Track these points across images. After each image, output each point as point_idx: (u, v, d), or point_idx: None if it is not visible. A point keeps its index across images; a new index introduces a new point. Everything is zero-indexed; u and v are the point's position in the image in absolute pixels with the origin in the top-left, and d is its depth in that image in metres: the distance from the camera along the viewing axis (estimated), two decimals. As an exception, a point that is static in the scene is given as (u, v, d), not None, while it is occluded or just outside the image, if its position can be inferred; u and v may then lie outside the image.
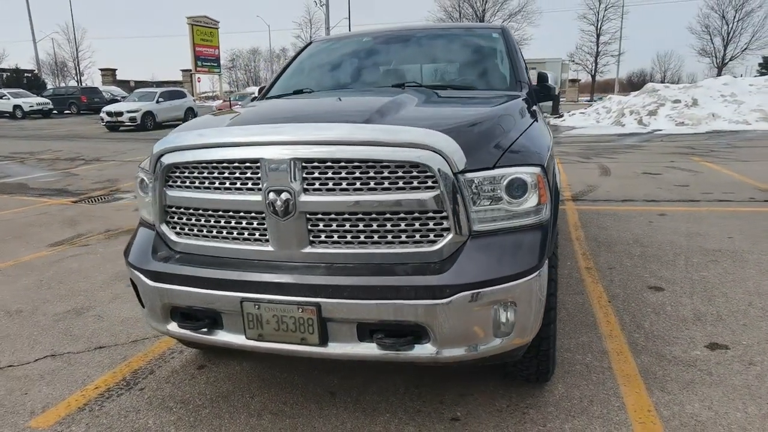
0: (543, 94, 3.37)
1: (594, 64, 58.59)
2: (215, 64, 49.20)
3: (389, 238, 2.14)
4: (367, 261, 2.16)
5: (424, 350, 2.10)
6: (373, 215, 2.12)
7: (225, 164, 2.24)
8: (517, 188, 2.15)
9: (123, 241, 6.10)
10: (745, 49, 51.41)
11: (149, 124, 23.94)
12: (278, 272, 2.19)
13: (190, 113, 26.73)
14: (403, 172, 2.08)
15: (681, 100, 18.90)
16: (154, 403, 2.80)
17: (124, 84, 48.58)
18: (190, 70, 47.76)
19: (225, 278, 2.22)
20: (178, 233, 2.45)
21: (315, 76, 3.85)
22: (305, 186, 2.13)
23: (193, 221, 2.39)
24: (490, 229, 2.14)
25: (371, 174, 2.09)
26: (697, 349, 3.19)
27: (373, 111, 2.34)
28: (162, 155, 2.38)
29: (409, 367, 2.96)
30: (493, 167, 2.13)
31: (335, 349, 2.15)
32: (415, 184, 2.08)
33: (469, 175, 2.08)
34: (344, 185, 2.11)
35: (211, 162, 2.26)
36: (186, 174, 2.34)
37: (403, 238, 2.13)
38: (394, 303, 2.04)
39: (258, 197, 2.19)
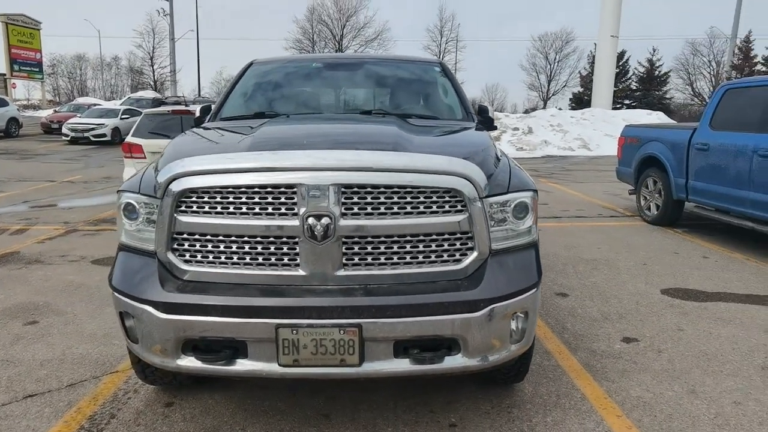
0: (486, 125, 3.75)
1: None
2: (36, 69, 43.63)
3: (420, 258, 2.29)
4: (399, 281, 2.29)
5: (455, 361, 2.27)
6: (407, 237, 2.26)
7: (255, 189, 2.21)
8: (521, 210, 2.44)
9: (-3, 272, 5.29)
10: (565, 85, 59.59)
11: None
12: (314, 296, 2.21)
13: (14, 124, 23.43)
14: (437, 197, 2.25)
15: (519, 128, 21.38)
16: (134, 449, 2.57)
17: None
18: (4, 75, 41.76)
19: (257, 305, 2.17)
20: (187, 261, 2.32)
21: (272, 98, 3.81)
22: (344, 210, 2.20)
23: (209, 248, 2.29)
24: (503, 247, 2.40)
25: (408, 199, 2.23)
26: (617, 343, 3.78)
27: (394, 139, 2.48)
28: (175, 179, 2.25)
29: (390, 381, 3.08)
30: (507, 192, 2.40)
31: (371, 367, 2.23)
32: (447, 208, 2.27)
33: (490, 199, 2.33)
34: (382, 209, 2.22)
35: (238, 187, 2.21)
36: (205, 199, 2.25)
37: (433, 257, 2.30)
38: (433, 319, 2.20)
39: (293, 222, 2.19)
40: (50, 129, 25.15)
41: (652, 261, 5.88)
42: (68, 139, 21.56)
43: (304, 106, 3.82)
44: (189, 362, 2.28)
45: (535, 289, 2.41)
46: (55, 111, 30.69)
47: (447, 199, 2.27)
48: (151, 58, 55.37)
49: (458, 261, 2.33)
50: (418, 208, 2.25)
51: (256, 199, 2.22)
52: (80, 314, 4.30)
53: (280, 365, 2.20)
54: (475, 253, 2.32)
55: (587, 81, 45.94)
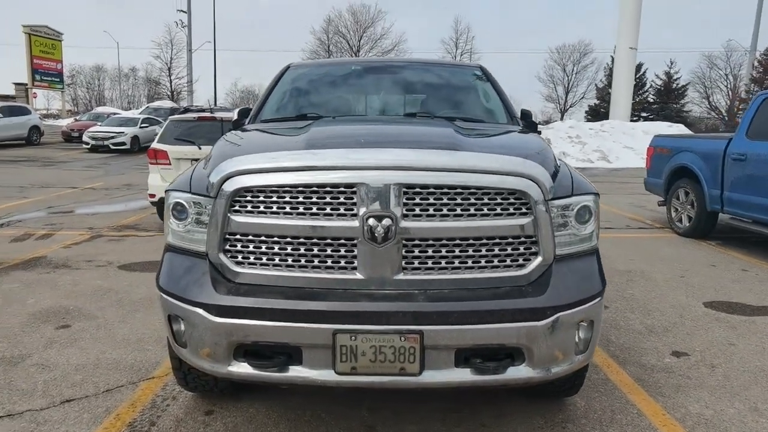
0: (531, 129, 3.66)
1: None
2: (57, 80, 44.31)
3: (482, 262, 2.19)
4: (459, 286, 2.18)
5: (519, 372, 2.16)
6: (470, 240, 2.16)
7: (314, 188, 2.13)
8: (584, 214, 2.34)
9: (14, 277, 5.26)
10: (582, 97, 59.28)
11: (-15, 142, 20.91)
12: (373, 301, 2.12)
13: (35, 132, 23.74)
14: (501, 199, 2.16)
15: (537, 139, 21.24)
16: (177, 458, 2.47)
17: (-63, 95, 41.58)
18: (26, 84, 42.46)
19: (315, 309, 2.08)
20: (239, 262, 2.24)
21: (313, 100, 3.75)
22: (405, 212, 2.11)
23: (263, 249, 2.21)
24: (566, 253, 2.29)
25: (472, 200, 2.14)
26: (666, 357, 3.63)
27: (452, 139, 2.40)
28: (229, 178, 2.18)
29: (437, 392, 2.96)
30: (571, 195, 2.30)
31: (431, 377, 2.12)
32: (511, 210, 2.17)
33: (555, 202, 2.23)
34: (445, 211, 2.13)
35: (295, 186, 2.13)
36: (260, 199, 2.17)
37: (495, 262, 2.20)
38: (498, 327, 2.09)
39: (353, 223, 2.11)
40: (71, 137, 25.45)
41: (689, 273, 5.72)
42: (89, 147, 21.77)
43: (346, 108, 3.75)
44: (241, 368, 2.18)
45: (600, 298, 2.29)
46: (76, 120, 31.08)
47: (512, 201, 2.17)
48: (169, 69, 56.06)
49: (521, 266, 2.22)
50: (482, 210, 2.15)
51: (314, 199, 2.14)
52: (111, 319, 4.24)
53: (336, 373, 2.10)
54: (540, 259, 2.22)
55: (603, 93, 45.73)
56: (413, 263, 2.16)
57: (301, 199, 2.14)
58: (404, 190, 2.10)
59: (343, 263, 2.17)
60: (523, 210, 2.18)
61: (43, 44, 41.91)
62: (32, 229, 7.63)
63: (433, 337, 2.07)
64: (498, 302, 2.12)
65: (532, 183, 2.15)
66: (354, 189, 2.10)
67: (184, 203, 2.34)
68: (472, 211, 2.14)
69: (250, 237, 2.21)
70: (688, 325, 4.24)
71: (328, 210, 2.13)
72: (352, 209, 2.11)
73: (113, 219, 8.46)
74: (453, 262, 2.18)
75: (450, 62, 4.23)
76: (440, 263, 2.17)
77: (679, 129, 22.96)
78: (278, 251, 2.19)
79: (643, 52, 28.68)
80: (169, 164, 7.63)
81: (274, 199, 2.16)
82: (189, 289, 2.22)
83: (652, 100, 47.00)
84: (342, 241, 2.15)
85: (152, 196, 7.69)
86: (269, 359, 2.16)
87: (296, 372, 2.15)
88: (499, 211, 2.16)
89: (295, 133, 2.70)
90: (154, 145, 7.84)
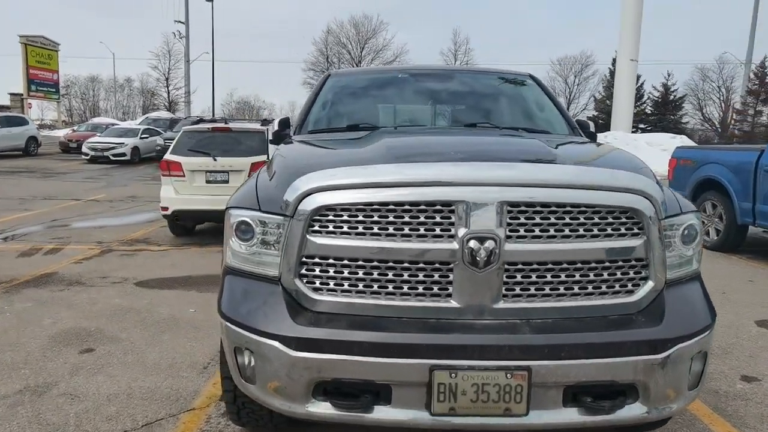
0: (592, 141, 3.46)
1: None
2: (53, 90, 43.94)
3: (589, 288, 1.97)
4: (565, 315, 1.96)
5: (632, 411, 1.93)
6: (577, 264, 1.94)
7: (406, 206, 1.91)
8: (691, 234, 2.13)
9: (26, 295, 4.99)
10: (584, 108, 59.16)
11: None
12: (473, 333, 1.89)
13: (33, 143, 23.40)
14: (613, 218, 1.94)
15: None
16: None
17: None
18: (21, 94, 42.08)
19: (410, 343, 1.85)
20: (317, 289, 2.01)
21: (362, 110, 3.54)
22: (508, 232, 1.89)
23: (346, 274, 1.98)
24: (674, 277, 2.08)
25: (582, 220, 1.92)
26: (737, 383, 3.42)
27: (548, 152, 2.19)
28: (308, 195, 1.96)
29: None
30: (680, 213, 2.09)
31: (538, 418, 1.89)
32: (623, 230, 1.96)
33: (666, 221, 2.02)
34: (552, 231, 1.91)
35: (385, 204, 1.91)
36: (344, 218, 1.95)
37: (603, 288, 1.98)
38: (614, 361, 1.87)
39: (450, 245, 1.88)
40: (68, 148, 25.11)
41: (729, 290, 5.51)
42: (88, 158, 21.45)
43: (401, 118, 3.54)
44: (321, 408, 1.95)
45: (712, 328, 2.07)
46: (73, 130, 30.68)
47: (623, 219, 1.95)
48: (167, 79, 55.87)
49: (630, 292, 2.00)
50: (592, 230, 1.93)
51: (406, 218, 1.91)
52: (137, 342, 3.98)
53: (432, 414, 1.87)
54: (651, 284, 2.00)
55: (601, 105, 45.91)
56: (514, 290, 1.94)
57: (391, 219, 1.92)
58: (508, 208, 1.88)
59: (436, 290, 1.95)
60: (635, 230, 1.97)
61: (39, 54, 41.60)
62: (39, 243, 7.35)
63: (542, 373, 1.84)
64: (612, 333, 1.90)
65: (645, 200, 1.95)
66: (452, 207, 1.88)
67: (251, 222, 2.11)
68: (580, 231, 1.93)
69: (331, 260, 1.98)
70: (747, 346, 4.03)
71: (421, 231, 1.91)
72: (449, 230, 1.89)
73: (122, 232, 8.19)
74: (558, 289, 1.96)
75: (499, 70, 4.00)
76: (544, 289, 1.95)
77: (683, 140, 22.93)
78: (363, 276, 1.96)
79: (640, 64, 28.79)
80: (183, 176, 7.39)
81: (360, 218, 1.93)
82: (261, 319, 1.99)
83: (649, 112, 47.20)
84: (437, 265, 1.92)
85: (165, 209, 7.43)
86: (354, 398, 1.92)
87: (385, 413, 1.91)
88: (609, 231, 1.95)
89: (361, 144, 2.48)
90: (168, 156, 7.60)
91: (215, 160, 7.36)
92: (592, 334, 1.89)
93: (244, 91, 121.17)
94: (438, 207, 1.89)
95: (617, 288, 1.99)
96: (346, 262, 1.96)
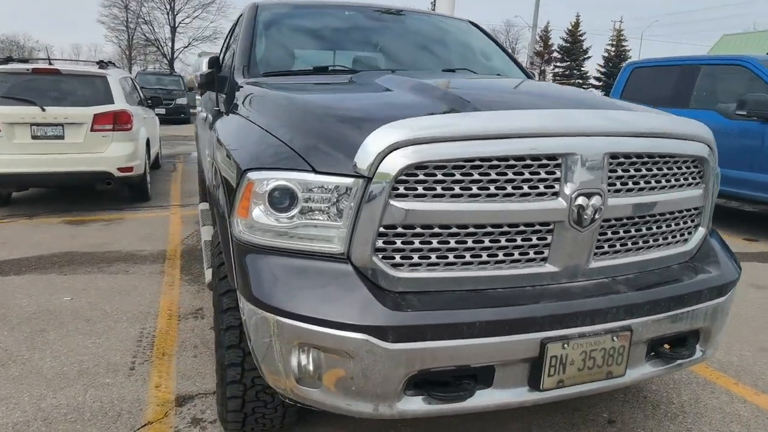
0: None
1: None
2: None
3: (660, 240, 1.95)
4: (642, 269, 1.92)
5: (696, 354, 1.99)
6: (656, 216, 1.90)
7: (510, 162, 1.63)
8: (719, 180, 2.22)
9: None
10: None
11: None
12: (575, 298, 1.73)
13: None
14: (685, 167, 1.92)
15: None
16: None
17: None
18: None
19: (521, 317, 1.63)
20: (397, 265, 1.65)
21: (322, 50, 3.00)
22: (608, 186, 1.75)
23: (435, 244, 1.65)
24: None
25: (665, 170, 1.87)
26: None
27: (600, 99, 2.07)
28: (394, 150, 1.56)
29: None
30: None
31: (631, 375, 1.83)
32: (690, 179, 1.95)
33: (716, 169, 2.06)
34: (642, 183, 1.82)
35: (487, 159, 1.61)
36: (438, 177, 1.60)
37: (669, 239, 1.98)
38: (692, 309, 1.88)
39: (556, 204, 1.67)
40: None
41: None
42: None
43: (366, 60, 3.10)
44: (414, 405, 1.64)
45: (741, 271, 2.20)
46: None
47: (692, 169, 1.95)
48: None
49: (686, 241, 2.03)
50: (670, 181, 1.89)
51: (509, 175, 1.64)
52: (13, 348, 3.06)
53: (541, 390, 1.69)
54: (702, 230, 2.06)
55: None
56: (603, 247, 1.83)
57: (493, 176, 1.63)
58: (609, 160, 1.73)
59: (531, 254, 1.74)
60: (698, 179, 1.98)
61: None
62: None
63: (640, 331, 1.78)
64: (690, 283, 1.91)
65: (708, 148, 1.95)
66: (558, 161, 1.67)
67: (294, 188, 1.64)
68: (663, 182, 1.87)
69: (418, 229, 1.64)
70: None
71: (525, 188, 1.66)
72: (553, 186, 1.68)
73: None
74: (638, 243, 1.90)
75: (443, 14, 3.76)
76: (627, 245, 1.88)
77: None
78: (454, 245, 1.66)
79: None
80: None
81: (458, 176, 1.61)
82: (339, 308, 1.57)
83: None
84: (536, 226, 1.71)
85: (-28, 174, 5.82)
86: (453, 387, 1.66)
87: (486, 397, 1.68)
88: (682, 181, 1.93)
89: (381, 89, 2.10)
90: (-30, 105, 5.89)
91: (43, 110, 5.92)
92: (679, 286, 1.87)
93: (7, 27, 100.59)
94: (544, 161, 1.66)
95: (678, 237, 2.00)
96: (436, 229, 1.64)
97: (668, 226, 1.95)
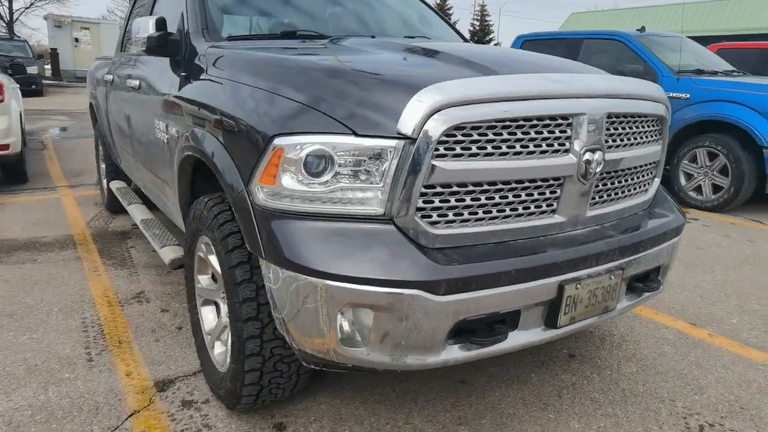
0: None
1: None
2: None
3: (632, 190, 2.22)
4: (620, 216, 2.18)
5: (660, 286, 2.31)
6: (632, 169, 2.16)
7: (533, 122, 1.77)
8: None
9: None
10: None
11: None
12: (581, 243, 1.93)
13: None
14: (651, 125, 2.20)
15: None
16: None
17: None
18: None
19: (544, 264, 1.79)
20: (434, 223, 1.72)
21: (282, 16, 2.83)
22: (606, 142, 1.96)
23: (468, 202, 1.75)
24: None
25: (640, 128, 2.12)
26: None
27: (582, 65, 2.27)
28: (439, 111, 1.61)
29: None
30: None
31: (617, 308, 2.10)
32: (654, 136, 2.24)
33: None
34: (625, 140, 2.06)
35: (515, 119, 1.73)
36: (473, 137, 1.68)
37: (639, 189, 2.26)
38: (660, 248, 2.18)
39: (567, 159, 1.85)
40: None
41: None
42: None
43: (325, 27, 3.00)
44: (455, 353, 1.74)
45: None
46: None
47: (655, 127, 2.23)
48: None
49: (646, 191, 2.33)
50: (643, 138, 2.16)
51: (532, 134, 1.78)
52: (-66, 353, 2.66)
53: (557, 327, 1.88)
54: (657, 181, 2.37)
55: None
56: (595, 198, 2.05)
57: (519, 135, 1.76)
58: (606, 119, 1.94)
59: (544, 206, 1.91)
60: (658, 136, 2.27)
61: None
62: None
63: (628, 270, 2.05)
64: (658, 225, 2.21)
65: (665, 108, 2.25)
66: (569, 120, 1.83)
67: (332, 152, 1.64)
68: (638, 139, 2.13)
69: (455, 188, 1.72)
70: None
71: (544, 146, 1.81)
72: (565, 144, 1.85)
73: None
74: (619, 193, 2.15)
75: None
76: (611, 195, 2.12)
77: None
78: (485, 201, 1.77)
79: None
80: None
81: (491, 136, 1.71)
82: (390, 267, 1.61)
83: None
84: (550, 181, 1.87)
85: None
86: (488, 333, 1.79)
87: (515, 339, 1.84)
88: (649, 138, 2.20)
89: (399, 52, 2.17)
90: None
91: None
92: (651, 228, 2.16)
93: None
94: (558, 121, 1.82)
95: (644, 188, 2.30)
96: (470, 187, 1.74)
97: (638, 177, 2.23)
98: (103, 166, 5.31)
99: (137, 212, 3.68)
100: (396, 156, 1.63)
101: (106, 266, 3.86)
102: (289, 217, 1.70)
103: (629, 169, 2.14)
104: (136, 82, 3.21)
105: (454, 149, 1.68)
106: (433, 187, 1.69)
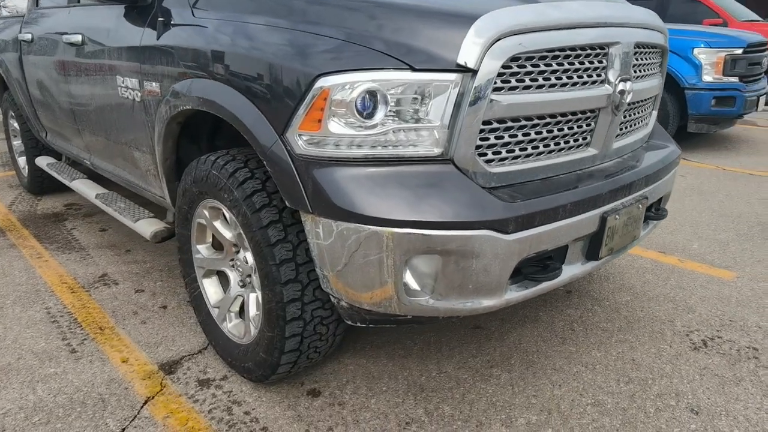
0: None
1: None
2: None
3: (642, 123, 2.27)
4: (634, 147, 2.22)
5: (665, 215, 2.40)
6: (645, 101, 2.20)
7: (578, 51, 1.73)
8: None
9: None
10: None
11: None
12: (614, 175, 1.95)
13: None
14: (657, 57, 2.24)
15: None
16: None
17: None
18: None
19: (589, 197, 1.78)
20: (489, 161, 1.65)
21: None
22: (634, 73, 1.97)
23: (520, 137, 1.69)
24: None
25: (655, 59, 2.16)
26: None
27: None
28: (498, 40, 1.52)
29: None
30: None
31: (639, 238, 2.16)
32: (658, 68, 2.28)
33: None
34: (644, 72, 2.09)
35: (563, 49, 1.68)
36: (527, 69, 1.61)
37: (646, 120, 2.32)
38: (670, 176, 2.27)
39: (606, 90, 1.83)
40: None
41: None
42: None
43: None
44: (516, 292, 1.71)
45: None
46: None
47: (658, 59, 2.27)
48: None
49: (647, 124, 2.40)
50: (654, 69, 2.20)
51: (576, 64, 1.73)
52: None
53: (598, 258, 1.90)
54: (655, 113, 2.44)
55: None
56: (620, 129, 2.07)
57: (566, 66, 1.71)
58: (635, 50, 1.94)
59: (580, 140, 1.89)
60: (660, 68, 2.32)
61: None
62: None
63: (649, 198, 2.10)
64: (666, 155, 2.28)
65: (666, 39, 2.30)
66: (606, 50, 1.81)
67: (385, 90, 1.51)
68: (651, 70, 2.16)
69: (509, 123, 1.65)
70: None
71: (585, 77, 1.78)
72: (601, 75, 1.83)
73: None
74: (635, 125, 2.19)
75: None
76: (629, 126, 2.15)
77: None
78: (534, 136, 1.73)
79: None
80: None
81: (542, 67, 1.65)
82: (458, 210, 1.53)
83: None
84: (588, 113, 1.85)
85: None
86: (544, 269, 1.77)
87: (567, 273, 1.84)
88: (656, 69, 2.25)
89: None
90: None
91: None
92: (661, 158, 2.22)
93: None
94: (597, 50, 1.79)
95: (648, 120, 2.36)
96: (522, 122, 1.68)
97: (646, 110, 2.28)
98: (16, 143, 4.70)
99: (87, 188, 3.29)
100: (457, 90, 1.53)
101: (50, 251, 3.45)
102: (338, 165, 1.56)
103: (643, 101, 2.18)
104: (77, 37, 2.80)
105: (509, 82, 1.60)
106: (489, 123, 1.61)
